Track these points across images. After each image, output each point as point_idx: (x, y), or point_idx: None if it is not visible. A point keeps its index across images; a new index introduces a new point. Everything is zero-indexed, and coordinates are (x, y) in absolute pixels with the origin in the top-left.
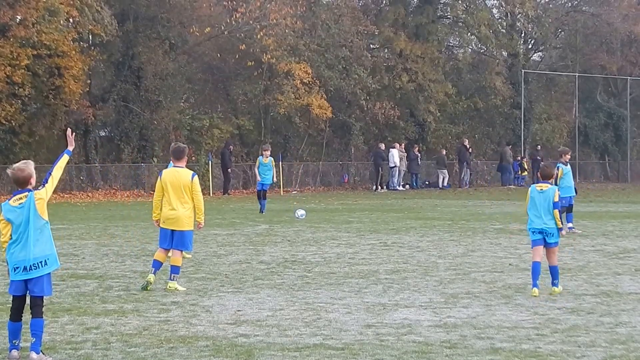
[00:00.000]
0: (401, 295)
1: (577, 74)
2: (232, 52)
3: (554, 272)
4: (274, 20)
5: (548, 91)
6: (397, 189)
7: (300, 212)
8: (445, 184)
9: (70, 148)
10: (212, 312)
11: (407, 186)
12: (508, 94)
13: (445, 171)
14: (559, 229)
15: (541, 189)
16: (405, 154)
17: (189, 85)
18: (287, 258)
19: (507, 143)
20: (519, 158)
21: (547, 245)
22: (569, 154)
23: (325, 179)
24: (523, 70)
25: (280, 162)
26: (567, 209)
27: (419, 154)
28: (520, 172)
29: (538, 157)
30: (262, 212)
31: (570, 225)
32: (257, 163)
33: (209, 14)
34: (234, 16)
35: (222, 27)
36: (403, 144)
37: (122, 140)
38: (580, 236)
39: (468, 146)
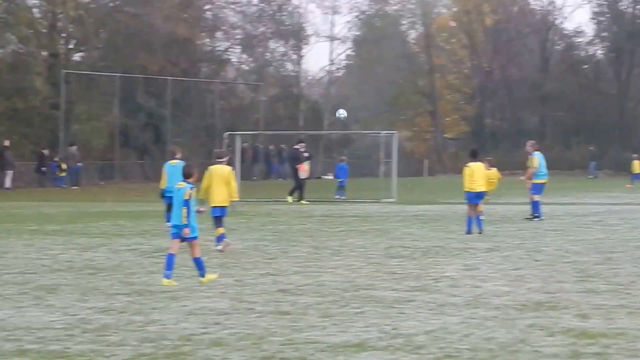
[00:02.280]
0: None
1: (118, 74)
2: None
3: (196, 263)
4: None
5: (89, 91)
6: None
7: (342, 112)
8: (8, 185)
9: None
10: None
11: None
12: (48, 95)
13: (12, 172)
14: (186, 225)
15: (178, 187)
16: None
17: None
18: None
19: (71, 143)
20: (57, 159)
21: (184, 240)
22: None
23: None
24: (64, 71)
25: None
26: None
27: None
28: (59, 173)
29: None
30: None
31: None
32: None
33: None
34: None
35: None
36: None
37: None
38: (116, 235)
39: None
